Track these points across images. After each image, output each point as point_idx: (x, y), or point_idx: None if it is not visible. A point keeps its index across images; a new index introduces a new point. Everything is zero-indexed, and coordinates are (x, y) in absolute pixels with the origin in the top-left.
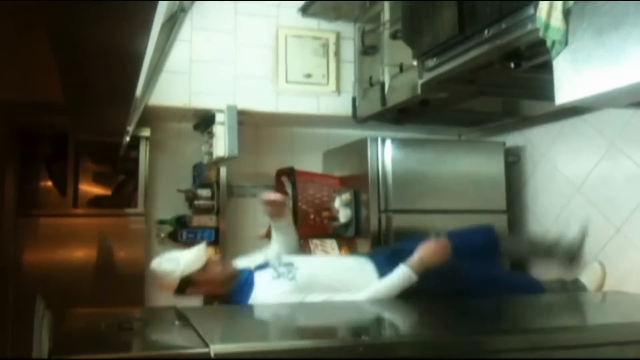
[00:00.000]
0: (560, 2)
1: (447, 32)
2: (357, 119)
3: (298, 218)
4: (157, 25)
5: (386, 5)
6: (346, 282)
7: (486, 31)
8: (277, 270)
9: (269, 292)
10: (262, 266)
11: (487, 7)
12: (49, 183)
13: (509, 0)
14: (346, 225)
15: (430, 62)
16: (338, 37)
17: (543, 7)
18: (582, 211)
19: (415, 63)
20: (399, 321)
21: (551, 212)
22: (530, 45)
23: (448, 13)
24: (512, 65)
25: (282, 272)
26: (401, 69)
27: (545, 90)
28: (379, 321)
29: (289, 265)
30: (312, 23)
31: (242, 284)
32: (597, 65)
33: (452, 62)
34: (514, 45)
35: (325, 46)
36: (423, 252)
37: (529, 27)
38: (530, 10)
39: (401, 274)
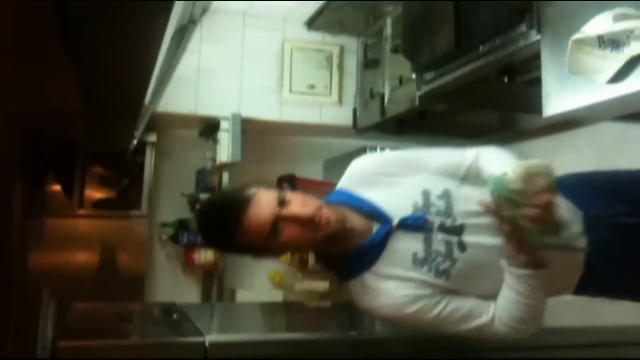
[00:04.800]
0: None
1: (444, 47)
2: (358, 129)
3: None
4: (167, 37)
5: (388, 20)
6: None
7: (481, 47)
8: (429, 245)
9: (396, 290)
10: (411, 224)
11: (482, 25)
12: (56, 186)
13: (503, 18)
14: None
15: (428, 75)
16: (342, 50)
17: None
18: None
19: (414, 76)
20: None
21: None
22: (524, 60)
23: (445, 29)
24: (506, 79)
25: (435, 254)
26: (400, 82)
27: (537, 104)
28: None
29: (456, 231)
30: (316, 37)
31: (366, 249)
32: (583, 79)
33: (448, 76)
34: (507, 61)
35: (329, 59)
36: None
37: (522, 43)
38: (523, 28)
39: (514, 282)
